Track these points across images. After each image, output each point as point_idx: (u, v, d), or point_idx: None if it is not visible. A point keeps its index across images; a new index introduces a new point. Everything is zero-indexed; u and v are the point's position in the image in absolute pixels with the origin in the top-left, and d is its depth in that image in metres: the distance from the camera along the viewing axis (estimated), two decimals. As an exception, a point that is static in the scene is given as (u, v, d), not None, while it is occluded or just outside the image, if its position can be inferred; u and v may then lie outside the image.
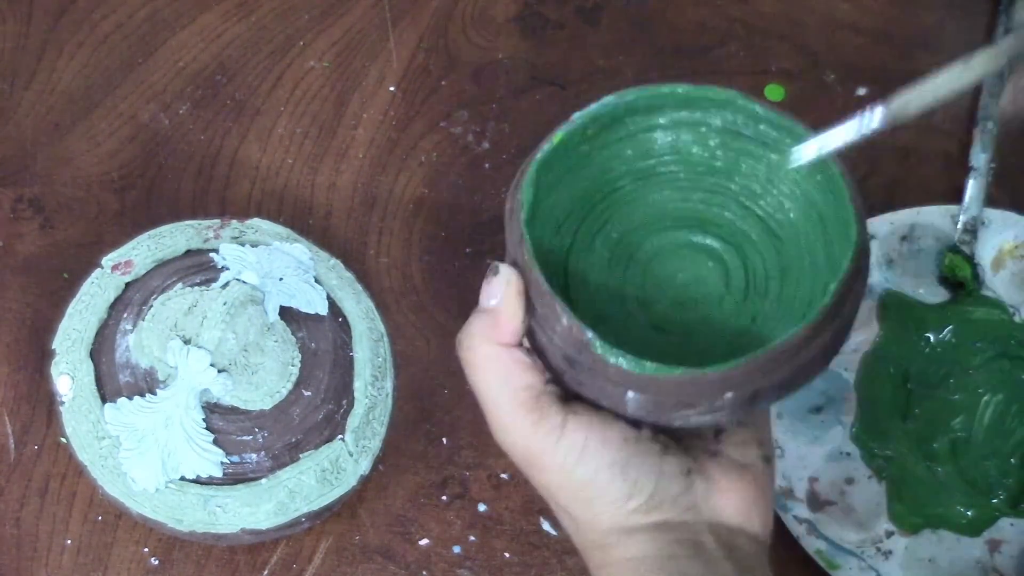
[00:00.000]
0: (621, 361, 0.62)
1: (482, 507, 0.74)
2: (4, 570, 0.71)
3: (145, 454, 0.66)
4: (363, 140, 0.83)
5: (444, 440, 0.76)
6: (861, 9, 0.90)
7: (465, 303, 0.79)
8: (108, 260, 0.72)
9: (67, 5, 0.85)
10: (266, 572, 0.72)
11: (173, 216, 0.79)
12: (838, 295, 0.62)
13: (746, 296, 0.69)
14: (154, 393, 0.67)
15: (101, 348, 0.69)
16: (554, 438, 0.55)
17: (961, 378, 0.78)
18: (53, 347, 0.70)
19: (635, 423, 0.59)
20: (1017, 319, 0.79)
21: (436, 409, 0.76)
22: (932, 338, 0.79)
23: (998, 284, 0.80)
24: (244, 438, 0.68)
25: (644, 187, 0.72)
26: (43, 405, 0.74)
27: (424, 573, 0.73)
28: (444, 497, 0.74)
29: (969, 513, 0.75)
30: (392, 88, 0.84)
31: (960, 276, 0.80)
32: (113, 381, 0.69)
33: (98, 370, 0.69)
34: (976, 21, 0.90)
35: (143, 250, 0.72)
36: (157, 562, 0.71)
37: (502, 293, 0.58)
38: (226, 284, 0.69)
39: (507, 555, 0.73)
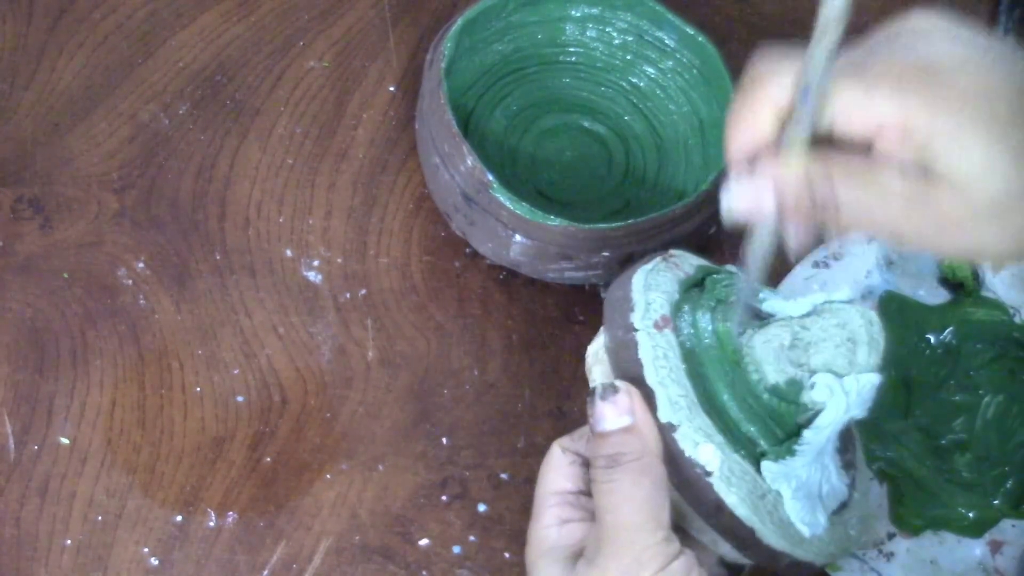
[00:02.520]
0: (518, 206, 0.71)
1: (482, 507, 0.74)
2: (4, 570, 0.71)
3: (807, 498, 0.59)
4: (363, 140, 0.83)
5: (444, 440, 0.76)
6: (861, 9, 0.90)
7: (465, 303, 0.79)
8: (644, 322, 0.59)
9: (67, 5, 0.84)
10: (266, 572, 0.72)
11: (173, 216, 0.79)
12: (716, 184, 0.73)
13: (624, 180, 0.81)
14: (800, 436, 0.58)
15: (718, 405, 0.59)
16: None
17: (962, 379, 0.78)
18: (669, 420, 0.57)
19: None
20: (1017, 320, 0.79)
21: (436, 409, 0.76)
22: (933, 339, 0.79)
23: (998, 285, 0.80)
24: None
25: (547, 71, 0.83)
26: (43, 405, 0.74)
27: (424, 573, 0.73)
28: (444, 497, 0.74)
29: (971, 515, 0.75)
30: (392, 88, 0.84)
31: (960, 277, 0.80)
32: (739, 432, 0.59)
33: (726, 426, 0.59)
34: (976, 21, 0.90)
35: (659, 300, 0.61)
36: (157, 562, 0.71)
37: (633, 407, 0.56)
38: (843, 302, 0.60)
39: (507, 555, 0.73)
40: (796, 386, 0.58)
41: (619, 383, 0.56)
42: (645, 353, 0.57)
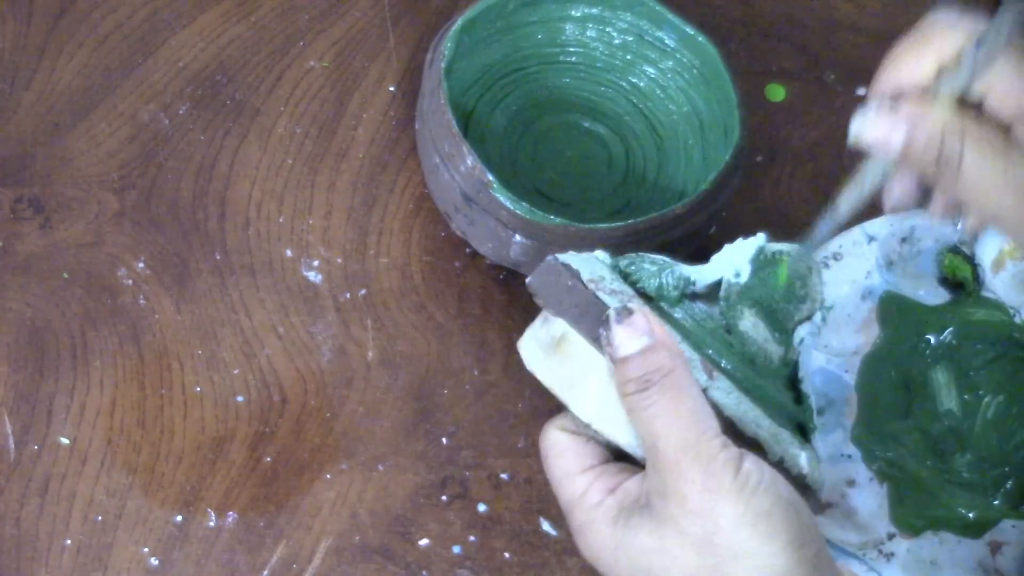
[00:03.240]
0: (518, 206, 0.71)
1: (482, 507, 0.74)
2: (4, 570, 0.71)
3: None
4: (363, 140, 0.83)
5: (444, 440, 0.76)
6: (861, 9, 0.90)
7: (465, 303, 0.79)
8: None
9: (67, 5, 0.84)
10: (266, 572, 0.72)
11: (173, 216, 0.79)
12: (716, 183, 0.73)
13: (624, 180, 0.81)
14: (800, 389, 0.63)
15: None
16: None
17: (962, 379, 0.78)
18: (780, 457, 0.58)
19: None
20: (1017, 320, 0.79)
21: (436, 409, 0.76)
22: (932, 339, 0.79)
23: (998, 285, 0.80)
24: None
25: (547, 71, 0.83)
26: (43, 405, 0.74)
27: (424, 573, 0.73)
28: (444, 497, 0.74)
29: (971, 515, 0.75)
30: (392, 88, 0.84)
31: (960, 277, 0.79)
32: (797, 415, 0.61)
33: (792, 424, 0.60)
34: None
35: None
36: (157, 562, 0.71)
37: (651, 326, 0.54)
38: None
39: (507, 555, 0.73)
40: (788, 340, 0.60)
41: (632, 305, 0.54)
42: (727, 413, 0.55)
